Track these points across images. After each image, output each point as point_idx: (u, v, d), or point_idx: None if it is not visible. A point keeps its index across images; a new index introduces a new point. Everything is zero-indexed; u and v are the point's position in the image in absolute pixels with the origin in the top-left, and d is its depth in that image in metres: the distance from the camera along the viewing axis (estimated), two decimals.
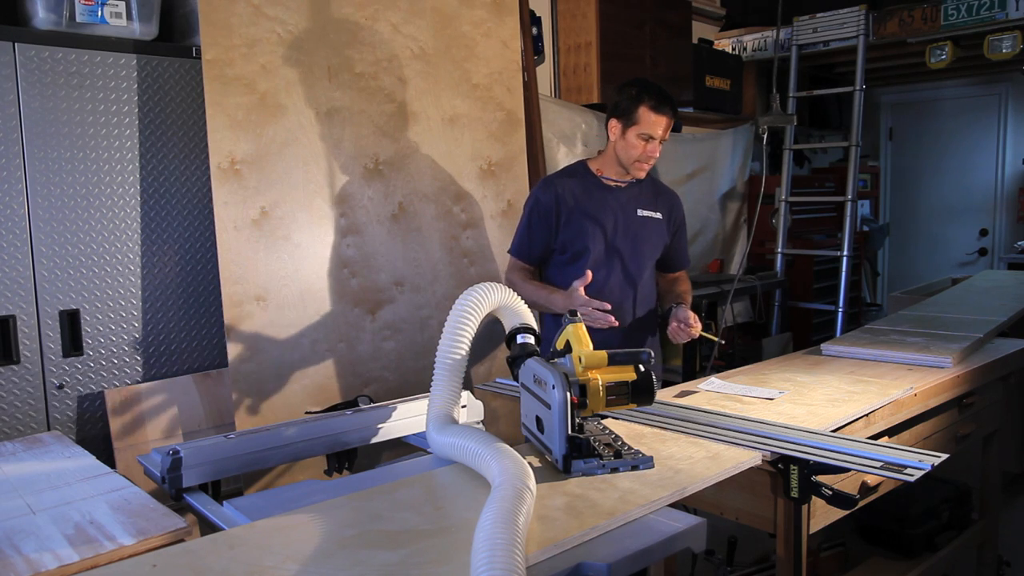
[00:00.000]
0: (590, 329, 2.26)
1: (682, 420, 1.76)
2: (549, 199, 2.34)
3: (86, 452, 1.76)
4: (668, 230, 2.46)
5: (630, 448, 1.51)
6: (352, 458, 1.86)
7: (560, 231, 2.35)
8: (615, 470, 1.43)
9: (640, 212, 2.39)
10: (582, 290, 2.13)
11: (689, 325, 2.21)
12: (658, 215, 2.43)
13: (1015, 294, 3.32)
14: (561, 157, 3.76)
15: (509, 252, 2.45)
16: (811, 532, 1.68)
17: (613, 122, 2.30)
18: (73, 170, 2.38)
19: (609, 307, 2.10)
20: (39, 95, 2.30)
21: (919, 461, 1.45)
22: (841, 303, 4.52)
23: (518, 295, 2.37)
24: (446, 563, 1.10)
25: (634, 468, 1.44)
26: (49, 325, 2.34)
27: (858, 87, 4.48)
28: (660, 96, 2.24)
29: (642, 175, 2.35)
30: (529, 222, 2.38)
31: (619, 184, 2.39)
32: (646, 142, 2.25)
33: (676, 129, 4.59)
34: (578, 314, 1.59)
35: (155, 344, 2.56)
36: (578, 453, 1.43)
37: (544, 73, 3.96)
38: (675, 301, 2.39)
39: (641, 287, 2.41)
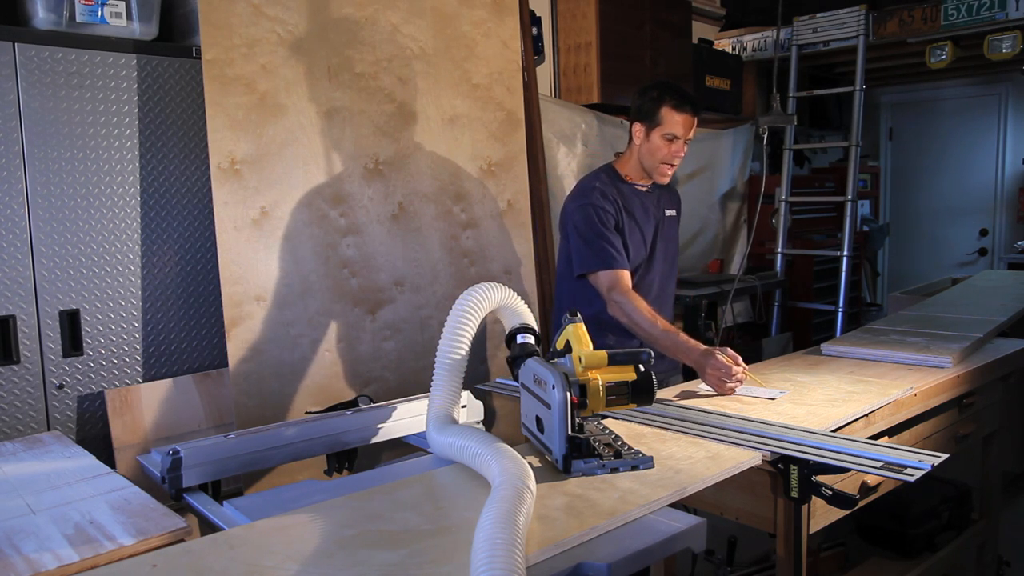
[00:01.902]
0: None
1: (682, 420, 1.76)
2: (611, 205, 2.26)
3: (86, 452, 1.76)
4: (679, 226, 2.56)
5: (630, 448, 1.51)
6: (352, 458, 1.86)
7: (622, 241, 2.29)
8: (615, 470, 1.43)
9: (667, 213, 2.45)
10: (726, 359, 1.98)
11: (732, 376, 1.97)
12: (674, 212, 2.51)
13: (1015, 294, 3.32)
14: (561, 157, 3.77)
15: (598, 269, 2.23)
16: (811, 532, 1.68)
17: (636, 126, 2.29)
18: (73, 170, 2.37)
19: (741, 372, 1.99)
20: (39, 95, 2.30)
21: (919, 461, 1.45)
22: (841, 303, 4.52)
23: (630, 317, 2.14)
24: (446, 563, 1.10)
25: (634, 468, 1.44)
26: (49, 325, 2.34)
27: (858, 87, 4.48)
28: (682, 95, 2.24)
29: (665, 179, 2.34)
30: (602, 230, 2.23)
31: (645, 188, 2.40)
32: (671, 142, 2.25)
33: None
34: (578, 315, 1.59)
35: (155, 344, 2.56)
36: (578, 453, 1.43)
37: (544, 73, 3.96)
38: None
39: (673, 285, 2.51)
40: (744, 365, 2.01)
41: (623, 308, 2.18)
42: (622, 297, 2.18)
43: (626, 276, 2.23)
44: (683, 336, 2.11)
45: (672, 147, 2.25)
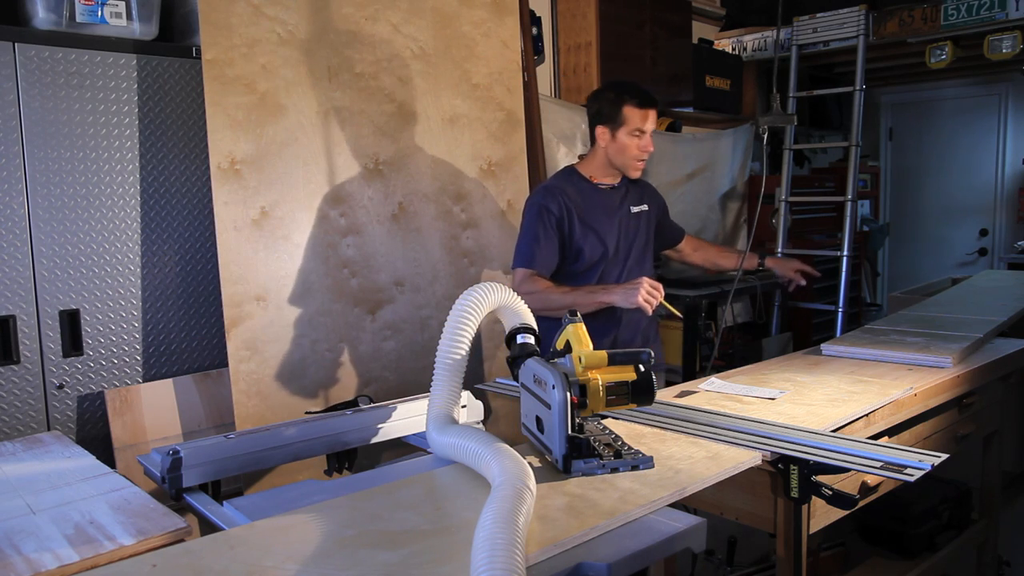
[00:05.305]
0: (605, 326, 2.28)
1: (682, 420, 1.76)
2: (559, 208, 2.33)
3: (86, 452, 1.76)
4: (656, 218, 2.56)
5: (630, 448, 1.51)
6: (352, 458, 1.86)
7: (572, 240, 2.35)
8: (615, 470, 1.43)
9: (633, 209, 2.47)
10: (645, 279, 2.15)
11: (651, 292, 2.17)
12: (645, 207, 2.52)
13: (1015, 294, 3.32)
14: (561, 157, 3.76)
15: (518, 266, 2.34)
16: (811, 532, 1.68)
17: (600, 129, 2.37)
18: (73, 170, 2.37)
19: (660, 286, 2.17)
20: (39, 95, 2.30)
21: (919, 461, 1.45)
22: (841, 303, 4.51)
23: (545, 303, 2.23)
24: (446, 563, 1.10)
25: (634, 468, 1.44)
26: (49, 325, 2.34)
27: (858, 87, 4.47)
28: (640, 92, 2.34)
29: (638, 174, 2.41)
30: (540, 232, 2.32)
31: (611, 186, 2.46)
32: (638, 138, 2.32)
33: (676, 129, 4.59)
34: (578, 315, 1.59)
35: (155, 344, 2.56)
36: (578, 453, 1.43)
37: (544, 73, 3.95)
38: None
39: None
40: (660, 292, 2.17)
41: (532, 299, 2.19)
42: (527, 288, 2.24)
43: (535, 274, 2.31)
44: (590, 287, 2.26)
45: (640, 142, 2.33)
